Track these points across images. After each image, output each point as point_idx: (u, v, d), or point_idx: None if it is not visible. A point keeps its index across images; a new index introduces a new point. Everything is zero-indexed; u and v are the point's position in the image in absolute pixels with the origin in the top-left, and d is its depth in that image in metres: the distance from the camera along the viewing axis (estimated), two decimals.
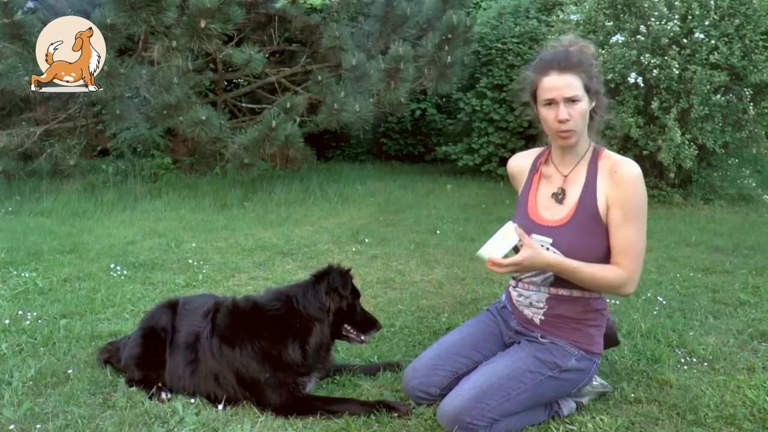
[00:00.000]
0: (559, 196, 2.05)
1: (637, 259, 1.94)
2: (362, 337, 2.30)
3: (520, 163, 2.24)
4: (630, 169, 1.95)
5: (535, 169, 2.16)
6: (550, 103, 1.94)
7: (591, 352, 2.07)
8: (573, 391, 2.10)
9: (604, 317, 2.13)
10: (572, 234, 1.98)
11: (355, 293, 2.29)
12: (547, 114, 1.96)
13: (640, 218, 1.94)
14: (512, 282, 2.24)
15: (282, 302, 2.24)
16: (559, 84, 1.91)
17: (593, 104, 2.00)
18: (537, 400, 2.02)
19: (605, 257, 1.99)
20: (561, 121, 1.92)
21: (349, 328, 2.28)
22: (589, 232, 1.96)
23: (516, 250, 1.92)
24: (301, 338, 2.18)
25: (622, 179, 1.94)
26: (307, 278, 2.31)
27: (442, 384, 2.14)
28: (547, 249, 2.00)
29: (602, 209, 1.96)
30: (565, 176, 2.06)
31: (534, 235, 2.02)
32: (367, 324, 2.31)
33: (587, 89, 1.94)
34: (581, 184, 2.01)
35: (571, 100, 1.91)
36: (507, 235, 1.88)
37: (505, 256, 1.88)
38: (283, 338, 2.17)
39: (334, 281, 2.22)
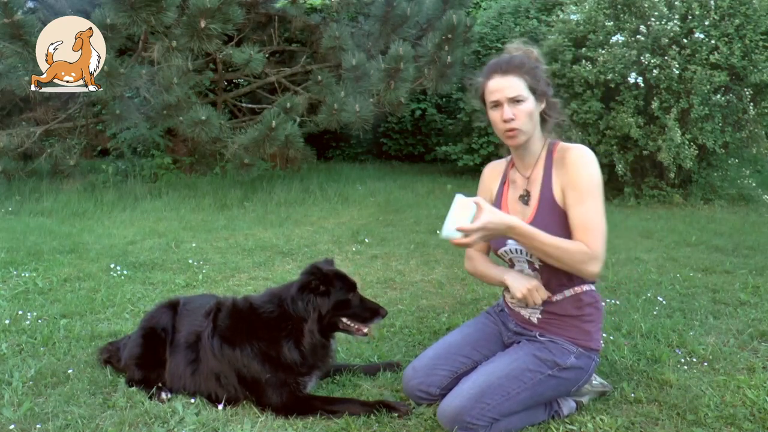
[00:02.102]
0: (525, 198, 2.10)
1: (598, 236, 1.91)
2: (364, 330, 2.23)
3: (495, 169, 2.28)
4: (577, 152, 2.00)
5: (504, 177, 2.22)
6: (496, 104, 2.00)
7: (590, 348, 2.08)
8: (573, 390, 2.10)
9: (600, 311, 2.14)
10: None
11: (349, 286, 2.23)
12: (494, 116, 2.02)
13: (593, 196, 1.94)
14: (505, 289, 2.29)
15: (275, 304, 2.23)
16: (502, 85, 1.97)
17: (542, 105, 2.05)
18: (537, 399, 2.03)
19: (565, 234, 2.00)
20: (506, 121, 1.97)
21: (347, 321, 2.22)
22: (553, 224, 1.98)
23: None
24: (294, 339, 2.17)
25: (569, 162, 1.99)
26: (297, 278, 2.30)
27: (442, 384, 2.14)
28: (520, 253, 2.07)
29: (558, 197, 2.00)
30: (528, 178, 2.11)
31: (509, 242, 2.08)
32: (368, 314, 2.23)
33: (533, 90, 1.98)
34: (539, 182, 2.06)
35: (515, 101, 1.96)
36: (460, 208, 1.87)
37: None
38: (278, 339, 2.17)
39: (307, 280, 2.18)
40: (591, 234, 1.92)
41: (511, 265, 2.18)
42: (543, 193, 2.04)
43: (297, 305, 2.17)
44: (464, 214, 1.86)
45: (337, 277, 2.22)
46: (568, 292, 2.07)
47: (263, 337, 2.18)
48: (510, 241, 2.09)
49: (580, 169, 1.96)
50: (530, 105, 1.98)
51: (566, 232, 1.98)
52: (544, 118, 2.07)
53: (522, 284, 2.05)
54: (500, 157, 2.33)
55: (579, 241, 1.93)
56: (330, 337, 2.26)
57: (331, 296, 2.17)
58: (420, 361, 2.21)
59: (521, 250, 2.07)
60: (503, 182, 2.22)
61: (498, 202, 2.20)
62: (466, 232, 1.84)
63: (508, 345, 2.22)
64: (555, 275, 2.05)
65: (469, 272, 2.32)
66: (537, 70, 2.00)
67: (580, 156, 1.99)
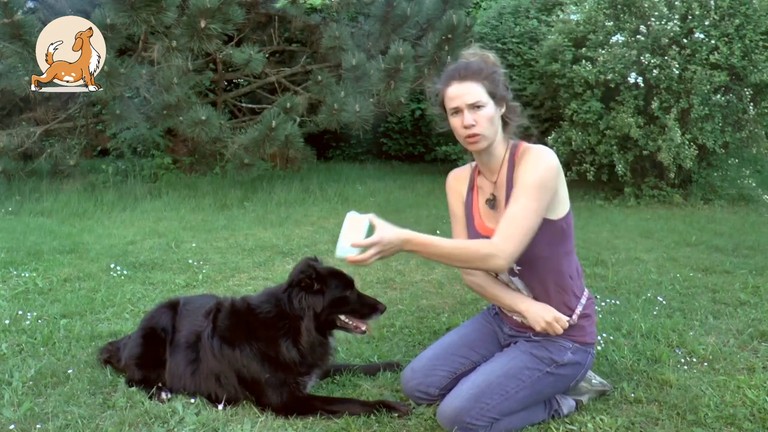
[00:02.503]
0: (492, 202, 2.09)
1: (513, 233, 1.87)
2: (362, 327, 2.20)
3: (459, 176, 2.25)
4: (533, 152, 1.98)
5: (471, 184, 2.19)
6: (456, 111, 1.99)
7: (585, 342, 2.08)
8: (571, 384, 2.11)
9: (592, 303, 2.15)
10: None
11: (346, 283, 2.20)
12: (454, 122, 2.01)
13: (528, 195, 1.90)
14: None
15: (272, 303, 2.22)
16: (460, 92, 1.96)
17: (503, 110, 2.03)
18: (536, 397, 2.03)
19: (550, 245, 1.99)
20: (467, 127, 1.96)
21: (345, 318, 2.20)
22: None
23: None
24: (292, 338, 2.16)
25: (522, 161, 1.98)
26: None
27: (441, 384, 2.14)
28: None
29: None
30: (494, 182, 2.09)
31: None
32: (366, 310, 2.21)
33: (492, 95, 1.97)
34: (504, 185, 2.05)
35: (475, 106, 1.95)
36: (353, 224, 1.83)
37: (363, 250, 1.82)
38: (275, 339, 2.16)
39: (298, 278, 2.16)
40: (507, 229, 1.88)
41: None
42: (508, 197, 2.01)
43: (292, 304, 2.15)
44: (358, 231, 1.82)
45: (331, 275, 2.20)
46: (554, 295, 2.06)
47: (261, 337, 2.18)
48: None
49: (527, 168, 1.94)
50: (490, 110, 1.97)
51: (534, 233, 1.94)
52: (505, 121, 2.06)
53: (540, 316, 2.01)
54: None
55: (496, 234, 1.89)
56: (328, 335, 2.24)
57: (326, 294, 2.15)
58: (418, 362, 2.21)
59: None
60: (471, 188, 2.19)
61: (469, 210, 2.18)
62: (361, 247, 1.81)
63: (504, 345, 2.22)
64: (535, 282, 2.04)
65: (468, 284, 2.26)
66: (495, 75, 1.99)
67: (534, 156, 1.97)
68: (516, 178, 1.97)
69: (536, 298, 2.07)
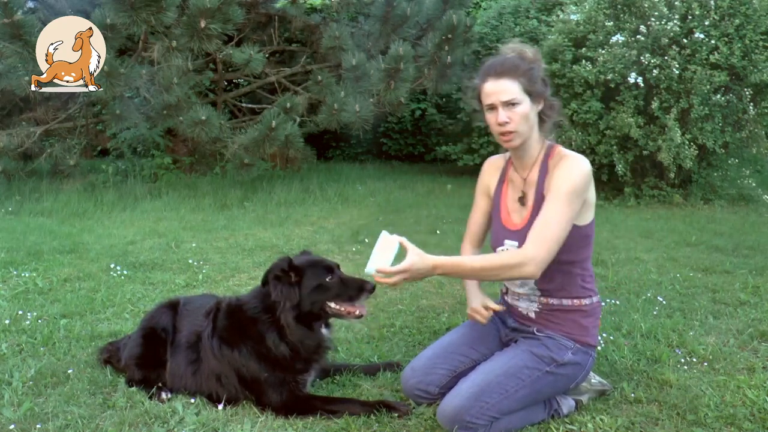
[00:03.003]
0: (523, 200, 2.12)
1: (545, 239, 1.89)
2: (356, 311, 2.14)
3: (495, 163, 2.28)
4: (568, 159, 2.00)
5: (503, 176, 2.22)
6: (491, 107, 2.00)
7: (586, 343, 2.09)
8: (571, 386, 2.11)
9: (598, 307, 2.16)
10: None
11: (325, 268, 2.16)
12: (489, 118, 2.03)
13: (560, 200, 1.92)
14: (502, 288, 2.31)
15: (258, 299, 2.21)
16: (496, 89, 1.97)
17: (540, 106, 2.03)
18: (536, 396, 2.03)
19: (572, 249, 2.01)
20: (500, 124, 1.98)
21: (333, 305, 2.15)
22: None
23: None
24: (278, 333, 2.13)
25: (557, 168, 2.00)
26: None
27: (441, 383, 2.14)
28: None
29: None
30: (525, 179, 2.11)
31: (506, 241, 2.10)
32: (353, 291, 2.13)
33: (528, 93, 1.98)
34: (535, 185, 2.07)
35: (510, 104, 1.96)
36: (386, 245, 1.87)
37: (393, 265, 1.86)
38: (263, 335, 2.15)
39: (270, 270, 2.15)
40: (539, 236, 1.90)
41: None
42: (537, 198, 2.05)
43: (271, 297, 2.14)
44: (387, 253, 1.85)
45: (309, 264, 2.17)
46: (567, 302, 2.09)
47: (252, 335, 2.17)
48: (507, 241, 2.11)
49: (562, 174, 1.96)
50: (525, 107, 1.97)
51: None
52: (542, 118, 2.06)
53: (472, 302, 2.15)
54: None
55: (528, 240, 1.91)
56: (319, 325, 2.19)
57: (302, 284, 2.12)
58: (418, 361, 2.21)
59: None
60: (502, 180, 2.22)
61: (497, 201, 2.21)
62: (387, 274, 1.83)
63: (506, 343, 2.23)
64: (552, 281, 2.06)
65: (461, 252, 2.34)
66: (532, 72, 1.99)
67: (569, 163, 1.99)
68: (549, 183, 1.99)
69: (544, 289, 2.08)
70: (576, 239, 2.01)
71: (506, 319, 2.26)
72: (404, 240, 1.89)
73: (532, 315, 2.14)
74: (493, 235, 2.21)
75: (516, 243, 2.06)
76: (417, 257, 1.85)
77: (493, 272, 1.95)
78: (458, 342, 2.24)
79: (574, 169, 1.97)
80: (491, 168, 2.28)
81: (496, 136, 2.05)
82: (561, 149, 2.08)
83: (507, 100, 1.95)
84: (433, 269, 1.87)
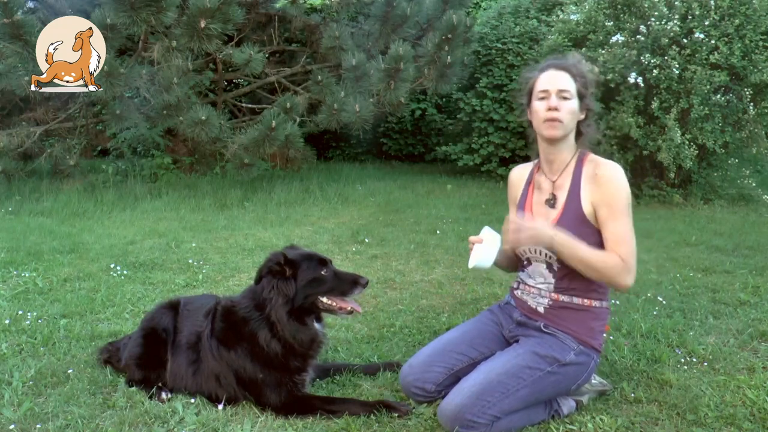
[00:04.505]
0: (551, 202, 2.16)
1: (631, 250, 2.01)
2: (347, 306, 2.14)
3: (521, 172, 2.35)
4: (610, 170, 2.08)
5: (530, 179, 2.27)
6: (544, 96, 2.07)
7: (590, 346, 2.09)
8: (572, 387, 2.11)
9: (606, 312, 2.17)
10: None
11: (319, 262, 2.15)
12: (538, 105, 2.09)
13: (626, 214, 2.04)
14: (514, 284, 2.34)
15: (249, 298, 2.21)
16: (555, 78, 2.07)
17: (582, 116, 2.12)
18: (537, 396, 2.03)
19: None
20: (550, 109, 2.04)
21: (326, 300, 2.15)
22: (577, 234, 2.02)
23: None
24: (269, 330, 2.13)
25: (603, 181, 2.06)
26: None
27: (438, 380, 2.15)
28: (539, 253, 2.12)
29: (588, 212, 2.07)
30: (554, 182, 2.16)
31: None
32: (345, 286, 2.12)
33: (580, 95, 2.08)
34: (567, 189, 2.11)
35: (563, 95, 2.05)
36: (489, 241, 2.06)
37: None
38: (255, 334, 2.14)
39: (265, 265, 2.15)
40: (624, 248, 1.99)
41: (528, 264, 2.21)
42: (570, 202, 2.09)
43: (263, 294, 2.14)
44: (491, 248, 2.05)
45: (303, 258, 2.16)
46: (577, 300, 2.11)
47: (245, 335, 2.16)
48: None
49: (618, 188, 2.05)
50: (574, 105, 2.07)
51: (585, 241, 2.02)
52: (579, 130, 2.13)
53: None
54: (514, 160, 2.38)
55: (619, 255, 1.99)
56: (310, 320, 2.18)
57: (298, 278, 2.11)
58: (417, 358, 2.22)
59: (540, 250, 2.10)
60: (528, 183, 2.27)
61: (522, 204, 2.25)
62: (492, 261, 2.05)
63: (509, 340, 2.24)
64: (572, 280, 2.09)
65: None
66: (587, 81, 2.10)
67: (614, 175, 2.06)
68: (603, 196, 2.05)
69: (563, 287, 2.12)
70: (602, 242, 2.07)
71: (513, 313, 2.27)
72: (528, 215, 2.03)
73: (541, 310, 2.16)
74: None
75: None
76: (544, 221, 2.01)
77: (599, 268, 1.99)
78: (457, 340, 2.25)
79: (620, 180, 2.05)
80: (519, 177, 2.34)
81: (539, 123, 2.09)
82: (593, 156, 2.14)
83: (562, 89, 2.04)
84: (554, 235, 1.97)
